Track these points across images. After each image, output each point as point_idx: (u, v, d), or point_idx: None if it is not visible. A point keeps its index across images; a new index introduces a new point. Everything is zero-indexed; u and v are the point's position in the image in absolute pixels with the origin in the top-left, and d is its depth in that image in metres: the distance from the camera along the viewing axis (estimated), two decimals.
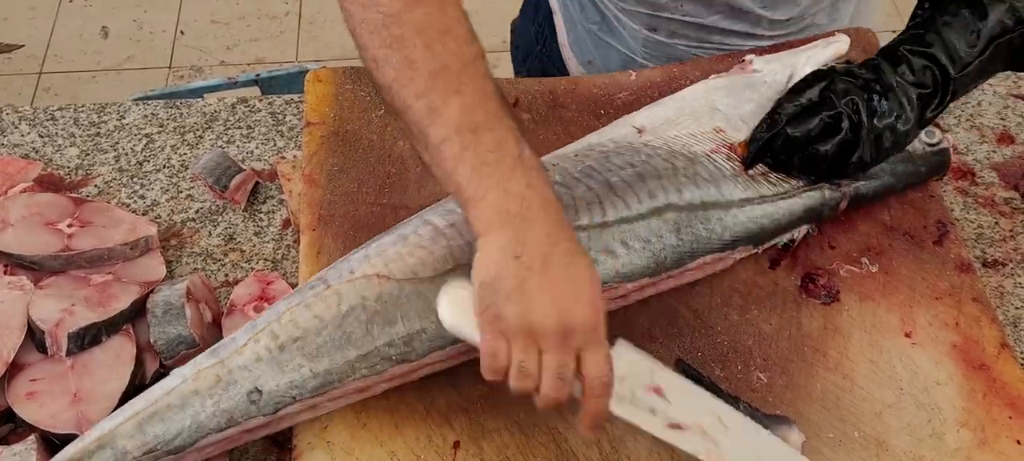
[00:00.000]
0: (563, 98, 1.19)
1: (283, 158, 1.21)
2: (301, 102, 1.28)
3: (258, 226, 1.18)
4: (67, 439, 0.92)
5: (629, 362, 0.85)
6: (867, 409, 0.96)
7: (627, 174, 0.98)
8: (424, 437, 0.92)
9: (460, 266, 0.90)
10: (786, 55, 1.11)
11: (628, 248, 0.95)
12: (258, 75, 2.02)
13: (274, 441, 0.98)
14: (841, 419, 0.95)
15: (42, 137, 1.26)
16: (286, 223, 1.18)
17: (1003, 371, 0.98)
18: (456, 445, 0.92)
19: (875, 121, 0.99)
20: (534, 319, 0.75)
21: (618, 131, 1.06)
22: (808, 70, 1.06)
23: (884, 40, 1.11)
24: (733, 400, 0.94)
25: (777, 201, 1.03)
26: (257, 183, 1.22)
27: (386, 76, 0.79)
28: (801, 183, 1.04)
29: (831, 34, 1.14)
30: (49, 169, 1.22)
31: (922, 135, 1.06)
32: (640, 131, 1.04)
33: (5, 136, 1.26)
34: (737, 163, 1.03)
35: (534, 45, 1.43)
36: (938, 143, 1.08)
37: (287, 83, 2.01)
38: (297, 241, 1.15)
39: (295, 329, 0.89)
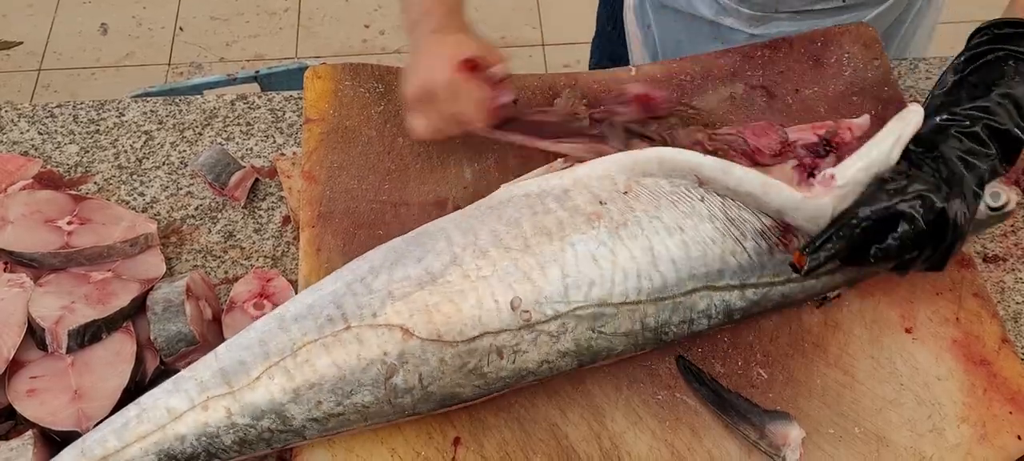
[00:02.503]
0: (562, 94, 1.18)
1: (283, 155, 1.21)
2: (300, 99, 1.28)
3: (258, 223, 1.18)
4: (67, 436, 0.92)
5: None
6: (867, 405, 0.96)
7: (674, 245, 0.93)
8: (424, 434, 0.92)
9: (487, 334, 0.89)
10: (869, 151, 0.95)
11: (650, 329, 0.94)
12: (257, 72, 2.02)
13: None
14: (841, 414, 0.95)
15: (41, 134, 1.26)
16: (286, 220, 1.18)
17: (1004, 366, 0.98)
18: (456, 441, 0.92)
19: (949, 213, 0.91)
20: (410, 94, 1.03)
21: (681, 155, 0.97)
22: (895, 154, 0.95)
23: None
24: (733, 396, 0.95)
25: (819, 276, 0.97)
26: (257, 180, 1.21)
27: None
28: None
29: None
30: (48, 166, 1.21)
31: (987, 198, 0.97)
32: (700, 183, 0.96)
33: (4, 133, 1.26)
34: (786, 254, 0.95)
35: (606, 23, 1.57)
36: (1003, 206, 0.99)
37: (286, 79, 2.01)
38: (297, 238, 1.15)
39: (312, 373, 0.88)
